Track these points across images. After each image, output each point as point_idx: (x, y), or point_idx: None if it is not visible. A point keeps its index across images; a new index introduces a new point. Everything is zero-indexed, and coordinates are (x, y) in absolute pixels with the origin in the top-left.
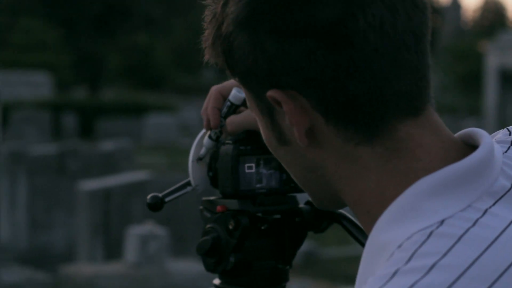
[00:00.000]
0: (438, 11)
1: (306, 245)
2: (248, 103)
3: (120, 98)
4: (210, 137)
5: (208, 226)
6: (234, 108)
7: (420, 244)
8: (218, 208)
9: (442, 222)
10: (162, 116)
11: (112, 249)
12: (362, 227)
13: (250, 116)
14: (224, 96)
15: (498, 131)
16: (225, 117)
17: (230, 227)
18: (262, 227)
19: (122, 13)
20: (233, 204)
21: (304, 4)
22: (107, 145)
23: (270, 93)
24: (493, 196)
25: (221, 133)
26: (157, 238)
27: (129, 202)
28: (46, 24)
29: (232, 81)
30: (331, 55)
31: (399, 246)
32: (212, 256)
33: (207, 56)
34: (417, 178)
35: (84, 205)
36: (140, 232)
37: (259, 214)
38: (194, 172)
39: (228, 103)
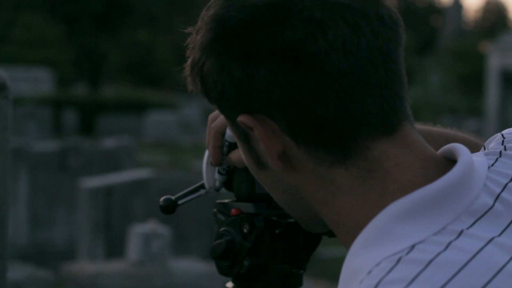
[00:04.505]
0: (439, 11)
1: None
2: (229, 129)
3: (121, 95)
4: (219, 172)
5: (222, 229)
6: (234, 145)
7: (387, 271)
8: (233, 211)
9: (412, 247)
10: (162, 113)
11: (113, 247)
12: (345, 248)
13: None
14: (222, 134)
15: (496, 135)
16: (227, 154)
17: (245, 230)
18: (276, 231)
19: (123, 10)
20: (247, 207)
21: (266, 28)
22: (108, 142)
23: (240, 119)
24: (473, 215)
25: (229, 168)
26: (160, 236)
27: (131, 200)
28: (47, 20)
29: None
30: (294, 77)
31: (369, 272)
32: (226, 259)
33: (189, 85)
34: (393, 199)
35: (86, 202)
36: (143, 231)
37: (274, 218)
38: (208, 175)
39: (227, 143)
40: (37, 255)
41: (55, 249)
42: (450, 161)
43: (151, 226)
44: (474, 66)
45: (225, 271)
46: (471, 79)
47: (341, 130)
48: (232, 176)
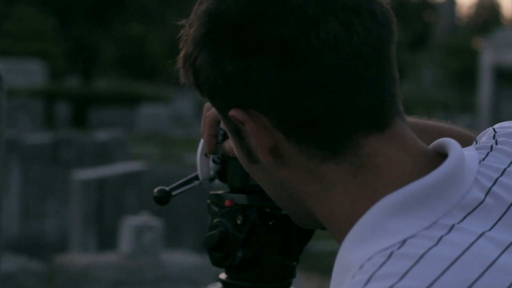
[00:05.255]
0: (432, 7)
1: None
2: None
3: (113, 87)
4: (214, 161)
5: (215, 220)
6: None
7: (379, 266)
8: (227, 202)
9: (404, 241)
10: (155, 106)
11: (105, 239)
12: (337, 242)
13: None
14: (217, 122)
15: (488, 129)
16: (222, 143)
17: (239, 221)
18: (270, 222)
19: (117, 3)
20: (241, 198)
21: (258, 24)
22: (101, 135)
23: (232, 113)
24: (464, 209)
25: (223, 156)
26: (152, 229)
27: (123, 192)
28: (41, 12)
29: None
30: (286, 74)
31: (360, 267)
32: (220, 251)
33: (181, 77)
34: (384, 194)
35: (78, 194)
36: (135, 223)
37: (267, 209)
38: (202, 166)
39: (221, 132)
40: (29, 247)
41: (47, 241)
42: (442, 155)
43: (143, 218)
44: (467, 62)
45: (218, 263)
46: (464, 75)
47: (333, 126)
48: (226, 167)
